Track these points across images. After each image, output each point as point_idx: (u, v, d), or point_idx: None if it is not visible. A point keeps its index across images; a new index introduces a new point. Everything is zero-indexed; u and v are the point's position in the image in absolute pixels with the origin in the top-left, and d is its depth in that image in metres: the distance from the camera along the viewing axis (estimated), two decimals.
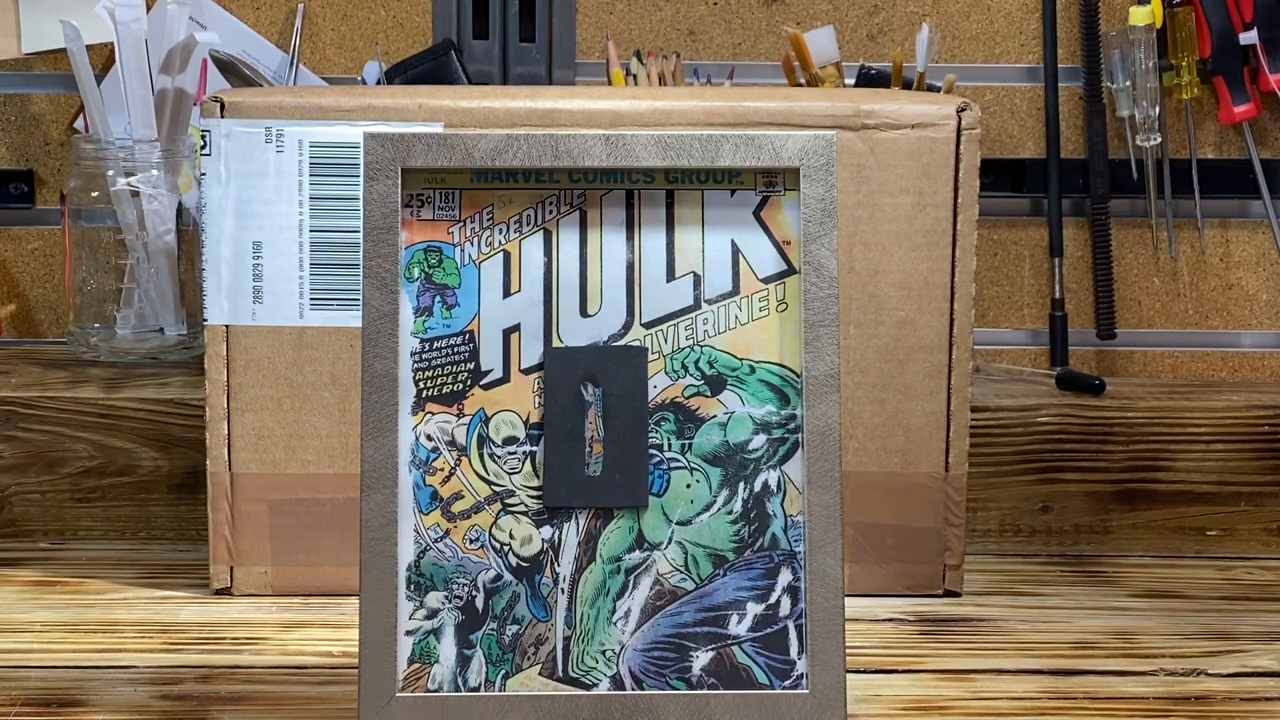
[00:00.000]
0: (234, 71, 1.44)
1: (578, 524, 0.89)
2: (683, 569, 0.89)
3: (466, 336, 0.90)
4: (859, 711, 0.95)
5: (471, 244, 0.90)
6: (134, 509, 1.26)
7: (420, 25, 1.49)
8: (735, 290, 0.90)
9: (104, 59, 1.42)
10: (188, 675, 0.99)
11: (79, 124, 1.46)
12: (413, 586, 0.88)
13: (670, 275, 0.91)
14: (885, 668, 1.03)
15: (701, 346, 0.90)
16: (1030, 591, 1.18)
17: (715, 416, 0.90)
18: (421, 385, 0.89)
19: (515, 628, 0.88)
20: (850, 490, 1.12)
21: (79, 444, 1.25)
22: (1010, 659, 1.04)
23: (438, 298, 0.90)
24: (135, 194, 1.34)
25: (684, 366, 0.90)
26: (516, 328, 0.90)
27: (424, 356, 0.89)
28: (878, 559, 1.15)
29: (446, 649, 0.88)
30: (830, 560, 0.88)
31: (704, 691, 0.88)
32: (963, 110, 1.12)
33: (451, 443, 0.89)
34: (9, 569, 1.20)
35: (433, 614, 0.88)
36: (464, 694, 0.87)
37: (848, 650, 0.88)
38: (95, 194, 1.36)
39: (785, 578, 0.89)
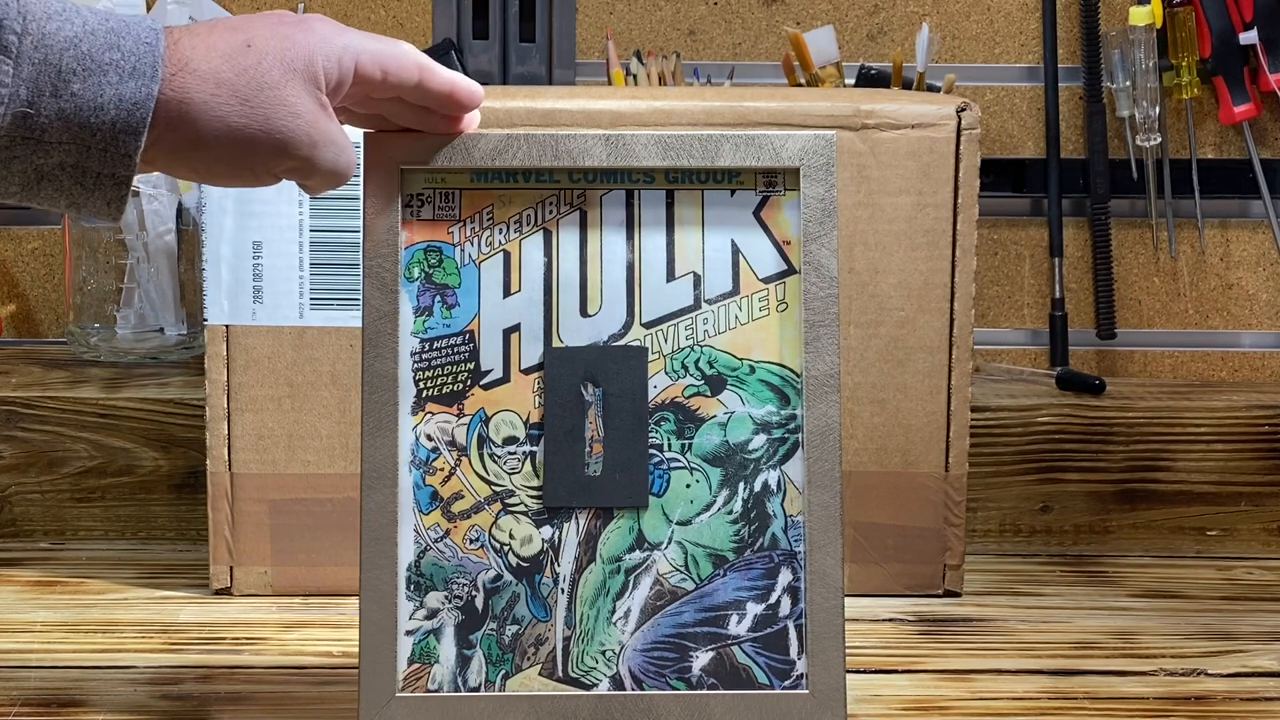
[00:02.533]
0: None
1: (578, 524, 0.89)
2: (683, 569, 0.89)
3: (466, 336, 0.90)
4: (859, 711, 0.95)
5: (471, 244, 0.90)
6: (134, 509, 1.26)
7: (420, 25, 1.49)
8: (735, 290, 0.90)
9: None
10: (188, 675, 0.99)
11: None
12: (413, 586, 0.88)
13: (670, 275, 0.91)
14: (885, 668, 1.03)
15: (701, 346, 0.90)
16: (1030, 591, 1.18)
17: (715, 416, 0.90)
18: (421, 385, 0.89)
19: (515, 628, 0.88)
20: (850, 490, 1.12)
21: (79, 444, 1.25)
22: (1010, 659, 1.04)
23: (438, 297, 0.90)
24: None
25: (684, 366, 0.90)
26: (516, 328, 0.90)
27: (424, 356, 0.89)
28: (878, 559, 1.15)
29: (446, 649, 0.88)
30: (830, 560, 0.88)
31: (704, 691, 0.88)
32: (963, 110, 1.12)
33: (451, 443, 0.89)
34: (9, 569, 1.20)
35: (433, 614, 0.88)
36: (464, 694, 0.87)
37: (848, 650, 0.88)
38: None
39: (785, 578, 0.89)
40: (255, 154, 0.78)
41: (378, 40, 0.82)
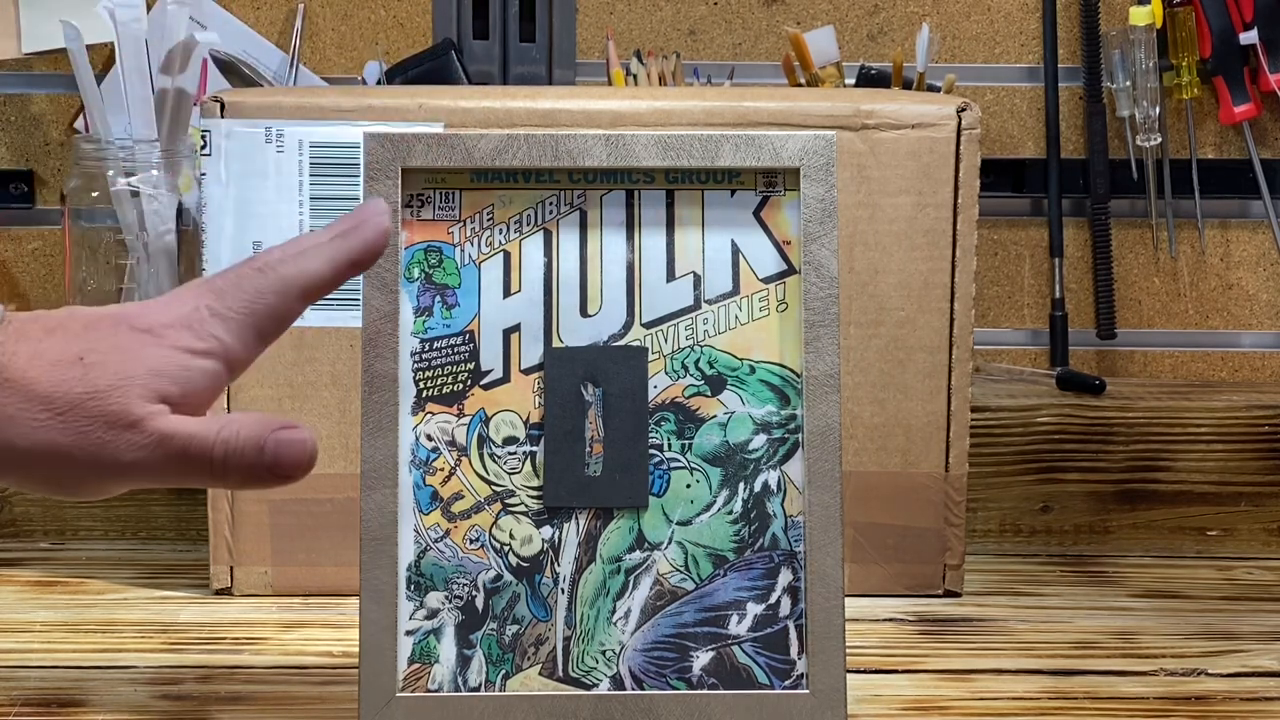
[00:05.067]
0: (234, 71, 1.44)
1: (578, 524, 0.89)
2: (683, 569, 0.89)
3: (466, 336, 0.90)
4: (859, 711, 0.95)
5: (471, 244, 0.90)
6: (134, 509, 1.26)
7: (420, 25, 1.49)
8: (735, 290, 0.90)
9: (104, 59, 1.42)
10: (188, 675, 0.99)
11: (79, 124, 1.46)
12: (413, 586, 0.88)
13: (670, 275, 0.91)
14: (885, 668, 1.03)
15: (702, 346, 0.90)
16: (1030, 591, 1.18)
17: (715, 416, 0.90)
18: (421, 385, 0.89)
19: (515, 628, 0.88)
20: (850, 490, 1.12)
21: None
22: (1010, 659, 1.04)
23: (438, 298, 0.90)
24: (135, 194, 1.34)
25: (684, 366, 0.90)
26: (517, 328, 0.90)
27: (424, 356, 0.89)
28: (878, 559, 1.15)
29: (446, 649, 0.88)
30: (830, 560, 0.88)
31: (704, 691, 0.88)
32: (963, 110, 1.12)
33: (451, 443, 0.89)
34: (9, 569, 1.20)
35: (433, 614, 0.88)
36: (464, 694, 0.87)
37: (848, 650, 0.88)
38: (95, 194, 1.36)
39: (785, 578, 0.89)
40: (76, 469, 0.71)
41: (255, 294, 0.75)
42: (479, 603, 0.88)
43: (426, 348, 0.89)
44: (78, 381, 0.71)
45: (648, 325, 0.90)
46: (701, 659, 0.88)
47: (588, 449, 0.89)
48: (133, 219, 1.35)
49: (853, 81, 1.44)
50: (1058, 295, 1.49)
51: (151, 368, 0.72)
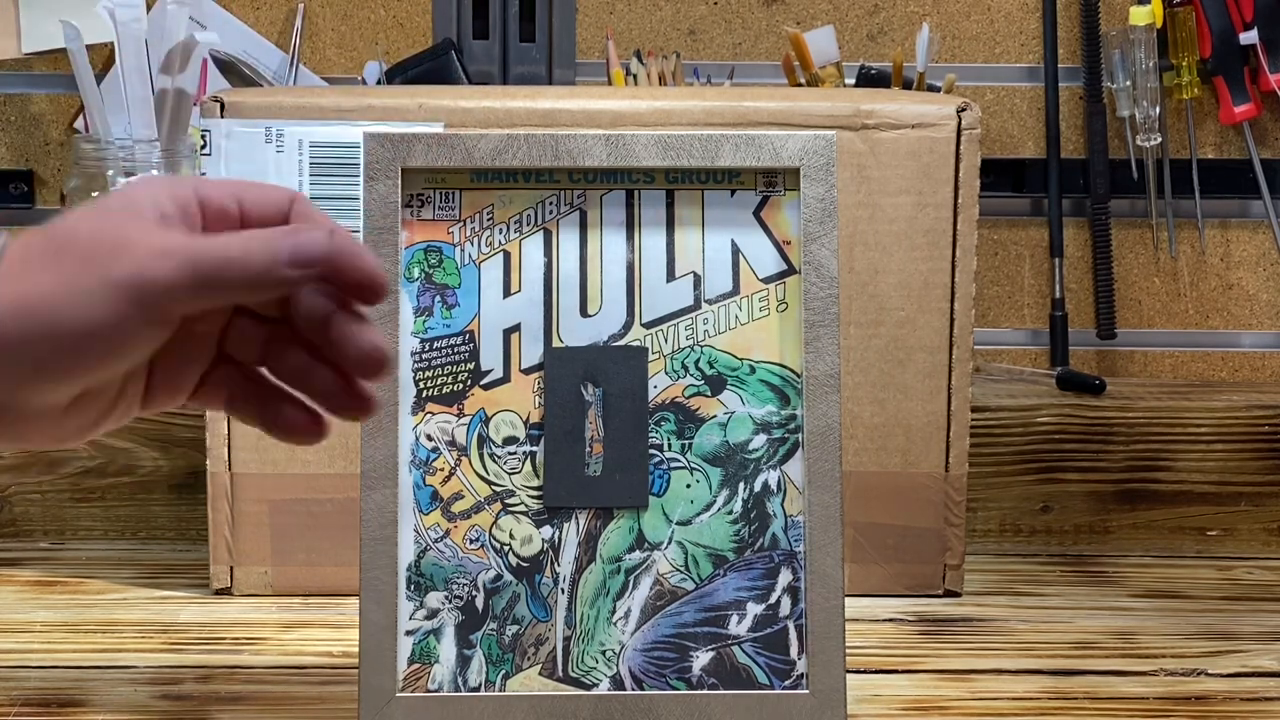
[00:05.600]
0: (234, 71, 1.44)
1: (578, 524, 0.89)
2: (683, 569, 0.89)
3: (466, 336, 0.90)
4: (859, 711, 0.95)
5: (471, 244, 0.90)
6: (134, 509, 1.26)
7: (420, 25, 1.49)
8: (735, 290, 0.90)
9: (104, 59, 1.42)
10: (188, 675, 0.99)
11: (79, 124, 1.46)
12: (413, 586, 0.88)
13: (670, 275, 0.91)
14: (885, 668, 1.03)
15: (702, 346, 0.90)
16: (1030, 591, 1.18)
17: (715, 416, 0.90)
18: (421, 385, 0.89)
19: (515, 628, 0.88)
20: (850, 490, 1.12)
21: None
22: (1010, 659, 1.04)
23: (438, 298, 0.90)
24: None
25: (684, 366, 0.90)
26: (517, 328, 0.90)
27: (424, 356, 0.89)
28: (878, 559, 1.15)
29: (446, 649, 0.88)
30: (830, 560, 0.88)
31: (704, 691, 0.88)
32: (963, 110, 1.12)
33: (451, 443, 0.89)
34: (9, 569, 1.20)
35: (433, 614, 0.88)
36: (464, 694, 0.87)
37: (848, 650, 0.88)
38: (95, 194, 1.35)
39: (785, 578, 0.89)
40: (72, 318, 0.64)
41: (249, 184, 0.70)
42: (479, 603, 0.88)
43: (426, 348, 0.89)
44: (51, 254, 0.66)
45: (648, 325, 0.90)
46: (701, 659, 0.88)
47: (588, 449, 0.89)
48: None
49: (853, 81, 1.44)
50: (1058, 295, 1.49)
51: (127, 201, 0.67)
